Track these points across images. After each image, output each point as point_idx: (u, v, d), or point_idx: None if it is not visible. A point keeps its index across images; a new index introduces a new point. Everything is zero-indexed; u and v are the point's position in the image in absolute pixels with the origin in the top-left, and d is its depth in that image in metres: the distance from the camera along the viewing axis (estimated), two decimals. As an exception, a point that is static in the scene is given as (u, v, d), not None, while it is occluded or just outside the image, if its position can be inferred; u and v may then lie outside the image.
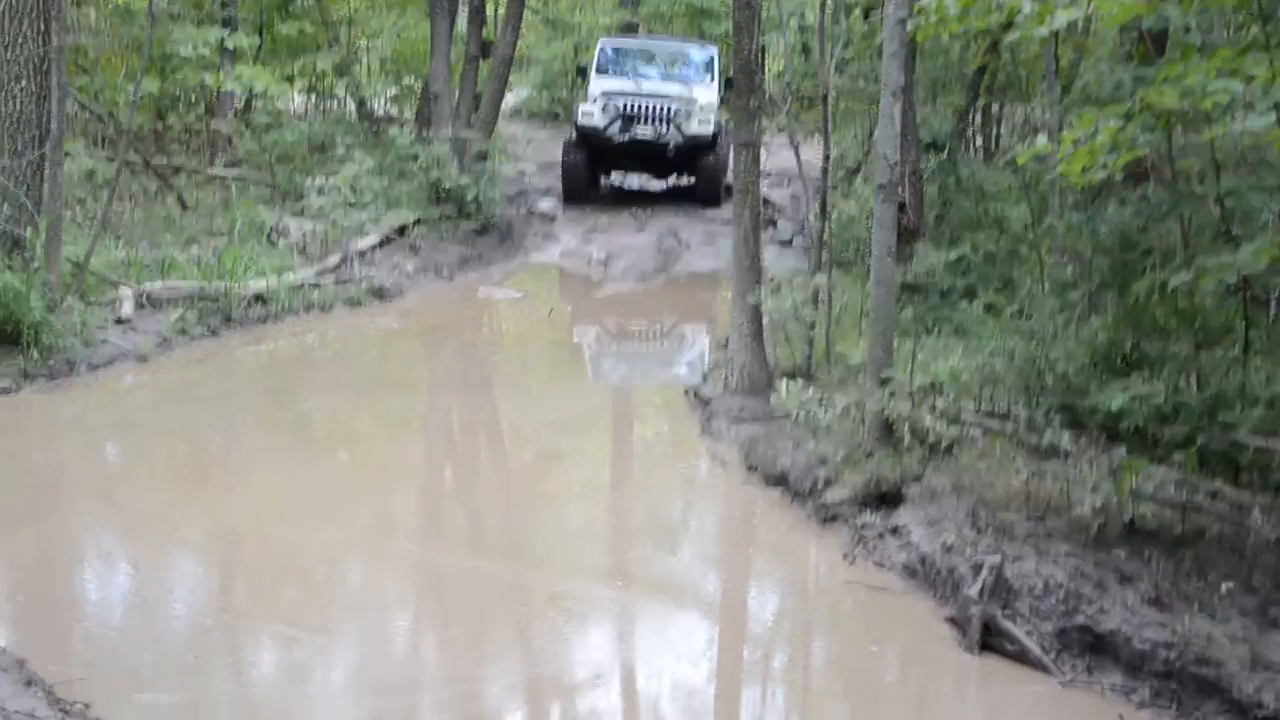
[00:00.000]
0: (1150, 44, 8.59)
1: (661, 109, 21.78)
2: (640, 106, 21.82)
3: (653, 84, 22.40)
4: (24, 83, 11.97)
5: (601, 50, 23.65)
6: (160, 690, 6.13)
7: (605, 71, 23.01)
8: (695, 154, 22.00)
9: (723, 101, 21.77)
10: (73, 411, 10.81)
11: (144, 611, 7.08)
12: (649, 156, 22.28)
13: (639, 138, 21.75)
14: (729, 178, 17.10)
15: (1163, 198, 8.39)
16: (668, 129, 21.71)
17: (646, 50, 24.06)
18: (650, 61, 23.44)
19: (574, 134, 22.28)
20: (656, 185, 23.70)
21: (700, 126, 21.65)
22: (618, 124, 21.73)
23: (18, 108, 11.98)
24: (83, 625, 6.91)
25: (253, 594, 7.56)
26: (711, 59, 23.30)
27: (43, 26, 12.00)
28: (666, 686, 6.53)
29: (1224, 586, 6.38)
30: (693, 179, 22.75)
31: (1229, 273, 6.28)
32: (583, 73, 24.29)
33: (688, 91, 21.95)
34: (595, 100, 22.09)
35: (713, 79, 22.82)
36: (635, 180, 23.92)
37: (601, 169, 23.22)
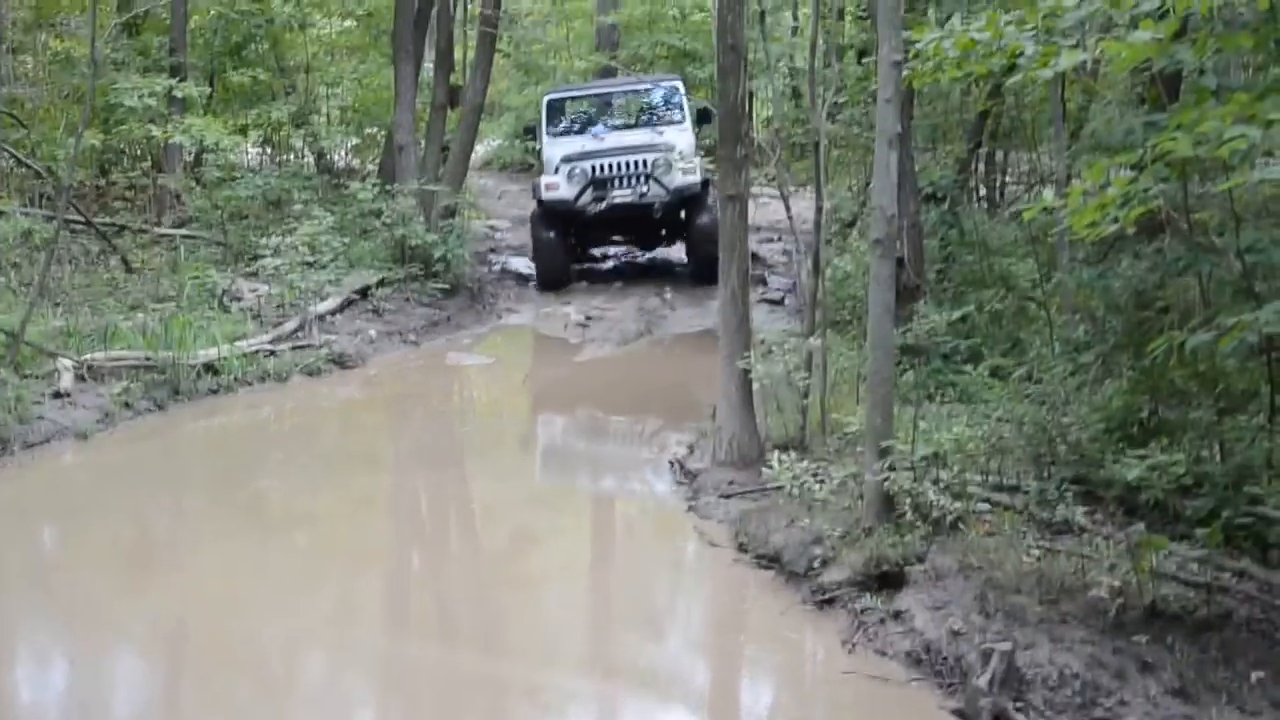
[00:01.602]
0: (1163, 88, 8.65)
1: (636, 164, 20.33)
2: (611, 166, 20.39)
3: (618, 136, 21.05)
4: (-45, 139, 12.00)
5: (549, 108, 21.93)
6: (99, 801, 6.06)
7: (558, 131, 21.55)
8: (685, 210, 20.51)
9: (707, 151, 20.46)
10: (6, 494, 10.75)
11: (81, 713, 7.02)
12: (632, 222, 21.01)
13: (618, 203, 20.33)
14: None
15: (1179, 252, 8.42)
16: (649, 186, 20.26)
17: (599, 97, 22.76)
18: (607, 109, 22.18)
19: (539, 214, 20.75)
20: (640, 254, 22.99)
21: (685, 176, 20.09)
22: (589, 192, 20.30)
23: (-52, 166, 12.00)
24: (15, 730, 6.84)
25: (202, 692, 7.48)
26: (677, 93, 21.86)
27: (-25, 78, 12.05)
28: (652, 789, 6.48)
29: (1254, 676, 6.34)
30: (682, 245, 21.42)
31: (1252, 332, 6.28)
32: (532, 134, 22.84)
33: (660, 137, 20.50)
34: (556, 169, 20.59)
35: (683, 117, 21.42)
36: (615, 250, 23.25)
37: (579, 245, 21.96)
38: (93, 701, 7.16)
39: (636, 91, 22.39)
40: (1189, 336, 6.91)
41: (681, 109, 21.44)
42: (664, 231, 21.46)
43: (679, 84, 22.22)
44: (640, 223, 20.91)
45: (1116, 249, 11.49)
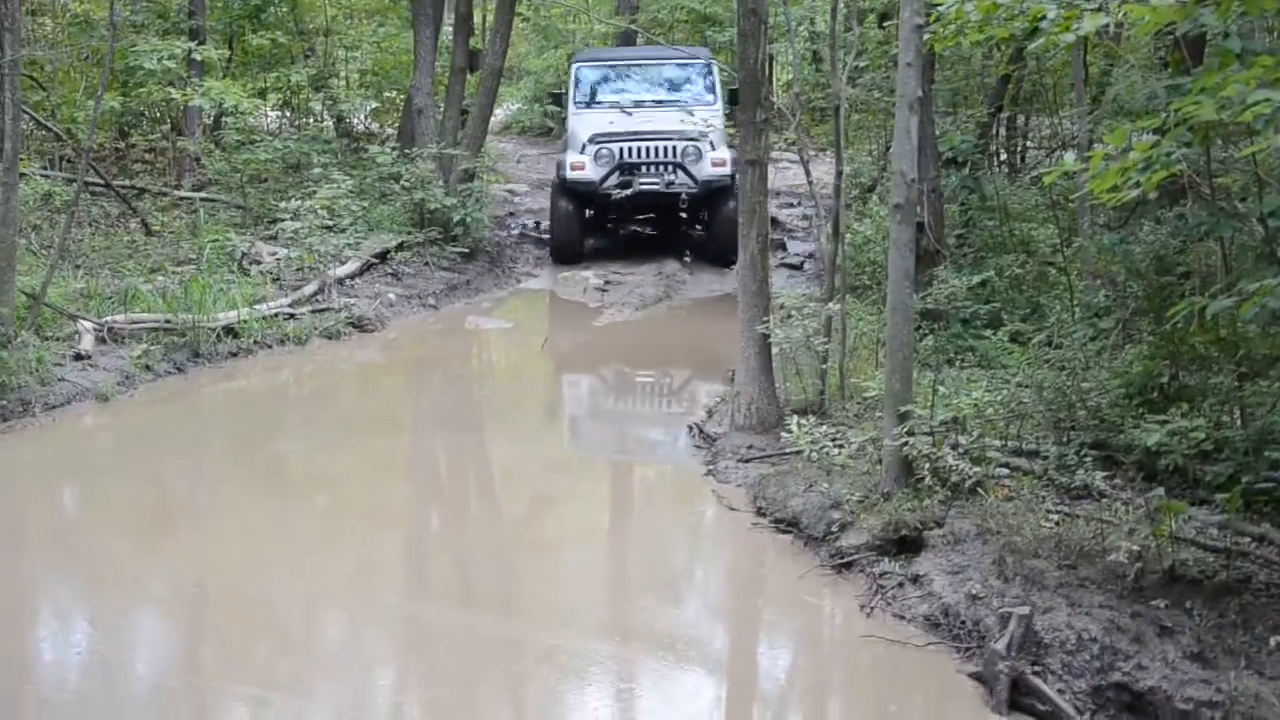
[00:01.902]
0: (1186, 51, 8.58)
1: (667, 150, 19.61)
2: (640, 150, 19.68)
3: (647, 115, 19.93)
4: (-25, 100, 12.03)
5: (577, 77, 20.94)
6: (121, 759, 6.11)
7: (585, 103, 20.65)
8: (711, 201, 19.80)
9: (730, 121, 18.97)
10: (28, 455, 10.80)
11: (104, 673, 7.06)
12: (656, 209, 20.55)
13: (645, 190, 19.66)
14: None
15: (1201, 217, 8.40)
16: (677, 175, 19.63)
17: (630, 68, 21.54)
18: (637, 82, 21.09)
19: (560, 185, 20.06)
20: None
21: (716, 168, 19.44)
22: (615, 176, 19.64)
23: (-32, 127, 12.03)
24: (37, 689, 6.88)
25: (222, 652, 7.52)
26: (709, 70, 20.67)
27: (-5, 39, 12.07)
28: (670, 751, 6.50)
29: (1273, 640, 6.35)
30: (703, 230, 20.67)
31: (1274, 298, 6.25)
32: (556, 101, 22.37)
33: (691, 121, 18.26)
34: (583, 148, 19.86)
35: (714, 97, 20.36)
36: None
37: (597, 224, 21.17)
38: (114, 660, 7.20)
39: (668, 64, 21.32)
40: (1210, 302, 6.89)
41: (713, 88, 20.52)
42: (687, 218, 20.79)
43: (712, 60, 21.11)
44: (664, 211, 20.50)
45: (1138, 214, 11.48)
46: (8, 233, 12.16)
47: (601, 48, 24.96)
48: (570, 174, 19.72)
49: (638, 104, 20.34)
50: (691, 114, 17.93)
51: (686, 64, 21.11)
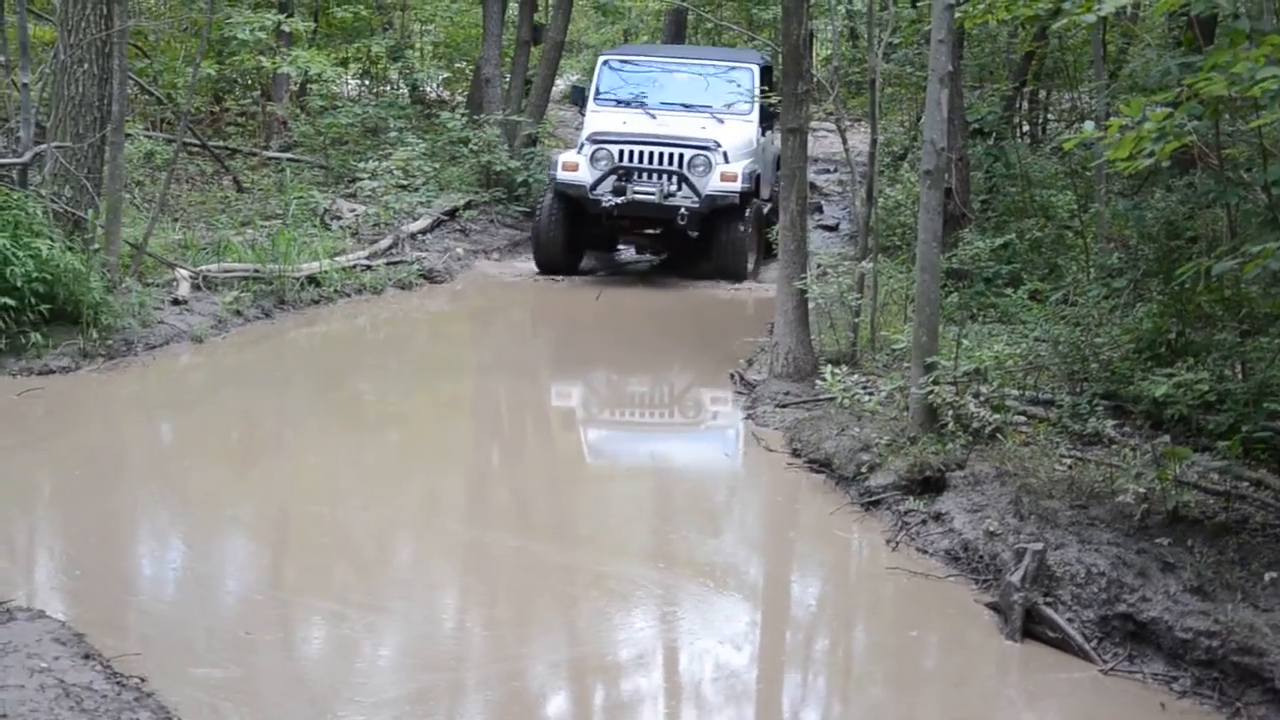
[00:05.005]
0: (1198, 31, 8.46)
1: (670, 158, 15.90)
2: (641, 155, 15.96)
3: (666, 119, 16.65)
4: (86, 66, 12.09)
5: (602, 73, 17.62)
6: (214, 665, 6.16)
7: (607, 101, 17.29)
8: (715, 223, 16.01)
9: (766, 129, 16.74)
10: (130, 391, 10.90)
11: (197, 587, 7.14)
12: (652, 225, 16.35)
13: (638, 199, 15.80)
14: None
15: (1209, 185, 8.29)
16: (678, 187, 15.80)
17: (664, 67, 17.78)
18: (669, 83, 17.41)
19: (551, 191, 16.52)
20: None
21: (724, 183, 15.73)
22: (609, 181, 15.81)
23: (80, 90, 12.11)
24: (138, 600, 6.97)
25: (303, 571, 7.59)
26: (751, 77, 17.00)
27: (105, 10, 12.13)
28: (709, 668, 6.50)
29: (1267, 576, 6.30)
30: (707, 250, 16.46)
31: (1275, 260, 6.18)
32: (581, 100, 18.17)
33: (712, 128, 16.27)
34: (581, 147, 16.44)
35: (750, 107, 16.85)
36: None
37: (590, 240, 17.16)
38: (206, 576, 7.28)
39: (708, 65, 17.72)
40: (1216, 263, 6.81)
41: (750, 98, 16.77)
42: (689, 240, 16.31)
43: (755, 68, 17.26)
44: (661, 227, 16.35)
45: (1150, 182, 11.37)
46: (115, 188, 12.26)
47: (638, 44, 21.70)
48: (561, 174, 16.24)
49: (660, 106, 17.07)
50: (721, 121, 16.26)
51: (728, 70, 17.41)
